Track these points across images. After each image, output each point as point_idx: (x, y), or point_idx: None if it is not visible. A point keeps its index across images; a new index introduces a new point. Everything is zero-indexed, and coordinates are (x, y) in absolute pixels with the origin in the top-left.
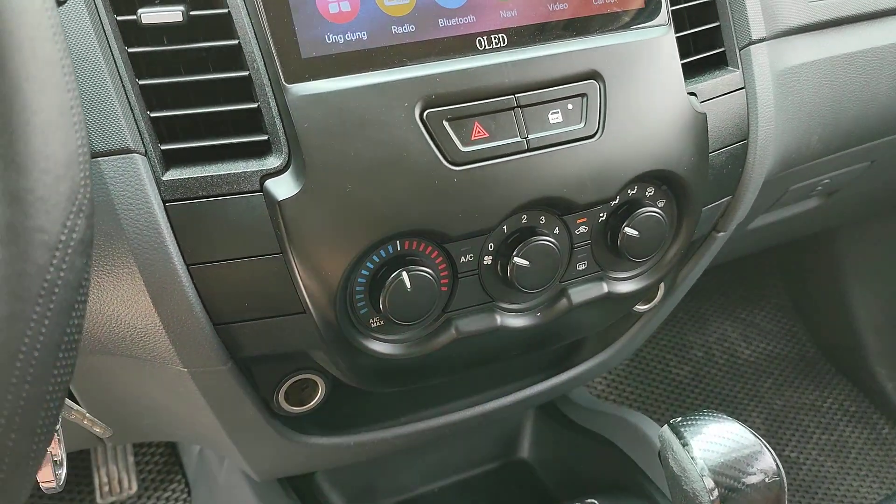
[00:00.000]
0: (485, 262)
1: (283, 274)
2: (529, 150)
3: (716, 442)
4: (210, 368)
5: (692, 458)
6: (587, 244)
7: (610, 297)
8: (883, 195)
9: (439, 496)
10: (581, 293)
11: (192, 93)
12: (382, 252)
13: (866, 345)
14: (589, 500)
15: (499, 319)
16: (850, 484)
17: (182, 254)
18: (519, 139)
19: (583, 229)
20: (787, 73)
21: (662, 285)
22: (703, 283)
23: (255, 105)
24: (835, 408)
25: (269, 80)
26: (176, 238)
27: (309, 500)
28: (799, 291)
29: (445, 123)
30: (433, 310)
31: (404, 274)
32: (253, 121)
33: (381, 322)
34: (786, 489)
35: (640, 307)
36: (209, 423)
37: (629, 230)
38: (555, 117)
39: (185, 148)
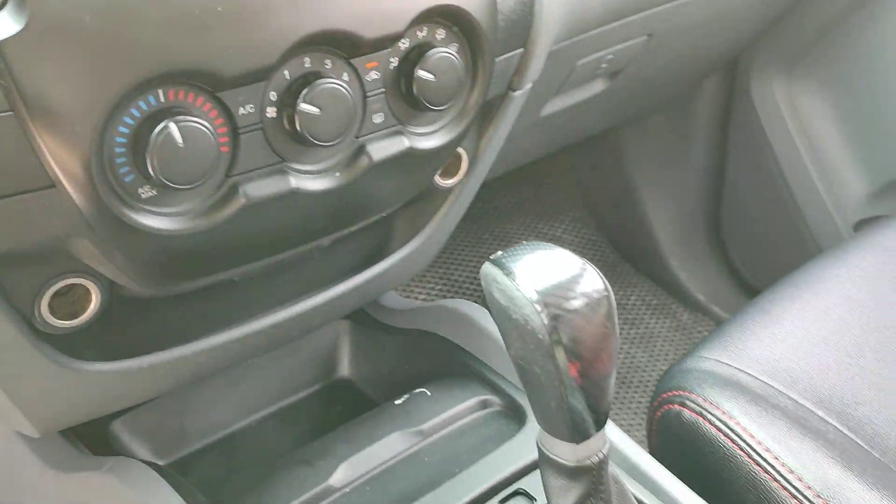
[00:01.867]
0: (268, 115)
1: (19, 136)
2: None
3: (540, 267)
4: None
5: (517, 285)
6: (381, 93)
7: (413, 154)
8: (660, 81)
9: (259, 429)
10: (381, 149)
11: None
12: (142, 104)
13: (659, 241)
14: (419, 390)
15: (293, 182)
16: (661, 370)
17: None
18: None
19: (374, 75)
20: None
21: (466, 157)
22: (503, 203)
23: None
24: (638, 304)
25: None
26: None
27: (106, 455)
28: (593, 202)
29: None
30: (214, 173)
31: (172, 125)
32: None
33: (154, 191)
34: (615, 304)
35: (446, 182)
36: None
37: (423, 73)
38: None
39: None
